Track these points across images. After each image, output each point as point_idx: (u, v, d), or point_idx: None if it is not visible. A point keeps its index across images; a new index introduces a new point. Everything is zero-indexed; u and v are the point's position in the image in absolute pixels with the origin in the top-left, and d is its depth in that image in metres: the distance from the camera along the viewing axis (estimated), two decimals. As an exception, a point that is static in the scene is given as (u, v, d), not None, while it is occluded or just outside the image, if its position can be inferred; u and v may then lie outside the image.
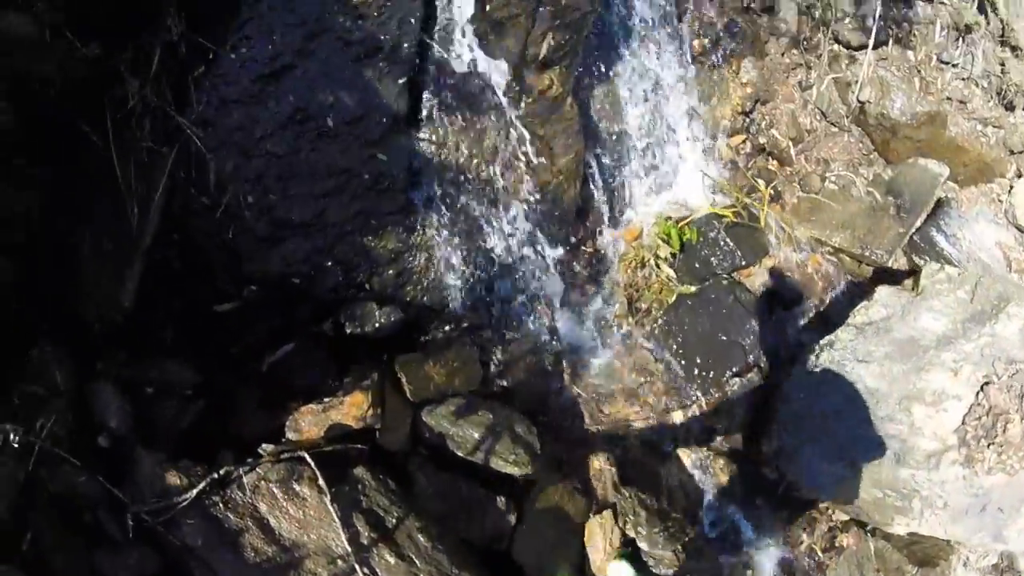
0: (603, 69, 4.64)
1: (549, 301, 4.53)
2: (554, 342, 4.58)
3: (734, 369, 4.64)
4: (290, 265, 4.02)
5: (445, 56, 3.79)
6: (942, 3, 5.13)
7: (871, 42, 5.05)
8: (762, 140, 5.21)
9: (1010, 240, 5.07)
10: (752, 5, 5.15)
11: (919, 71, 5.14)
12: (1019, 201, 5.10)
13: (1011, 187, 5.13)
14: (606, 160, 4.73)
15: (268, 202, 3.81)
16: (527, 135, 4.14)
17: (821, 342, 4.50)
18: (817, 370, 4.46)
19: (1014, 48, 5.07)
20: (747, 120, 5.24)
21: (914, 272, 5.11)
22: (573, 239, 4.64)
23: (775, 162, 5.22)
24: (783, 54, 5.25)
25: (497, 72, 4.01)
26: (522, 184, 4.24)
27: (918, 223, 5.18)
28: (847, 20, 5.12)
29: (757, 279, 4.94)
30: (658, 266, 4.76)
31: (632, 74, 4.72)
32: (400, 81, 3.74)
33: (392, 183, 3.94)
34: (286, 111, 3.61)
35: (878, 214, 5.18)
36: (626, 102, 4.71)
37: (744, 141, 5.23)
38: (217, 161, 3.56)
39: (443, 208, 4.13)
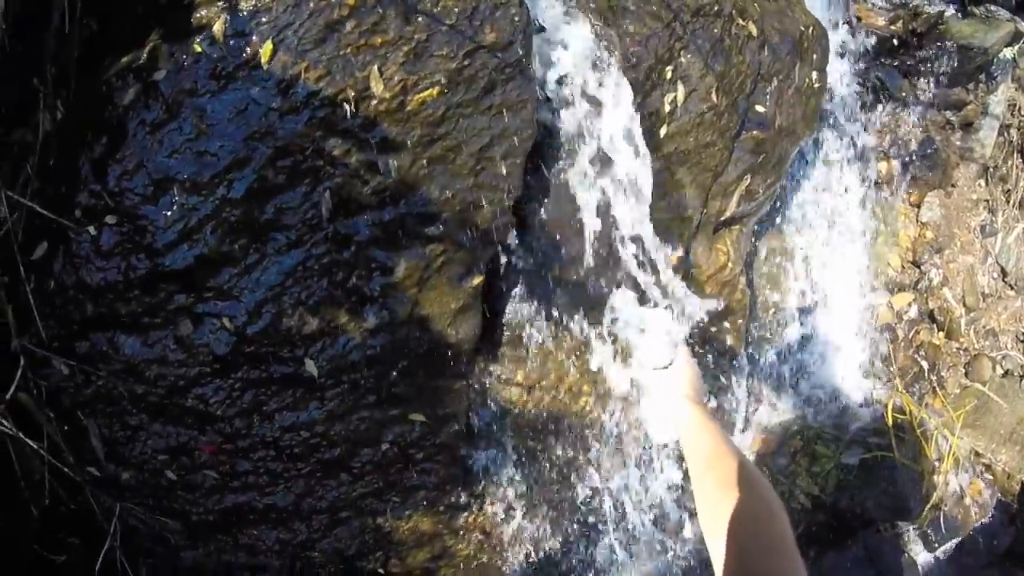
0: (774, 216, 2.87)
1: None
2: None
3: None
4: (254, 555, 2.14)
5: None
6: None
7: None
8: (932, 303, 3.61)
9: None
10: (952, 119, 3.49)
11: None
12: None
13: None
14: (750, 348, 2.98)
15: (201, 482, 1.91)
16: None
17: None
18: None
19: None
20: (918, 273, 3.61)
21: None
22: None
23: (940, 334, 3.65)
24: (970, 187, 3.65)
25: (647, 240, 2.16)
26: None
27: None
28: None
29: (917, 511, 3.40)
30: (795, 496, 3.13)
31: (806, 217, 2.97)
32: (470, 283, 1.90)
33: (436, 451, 2.11)
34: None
35: (1053, 418, 3.77)
36: (793, 259, 2.96)
37: (911, 303, 3.62)
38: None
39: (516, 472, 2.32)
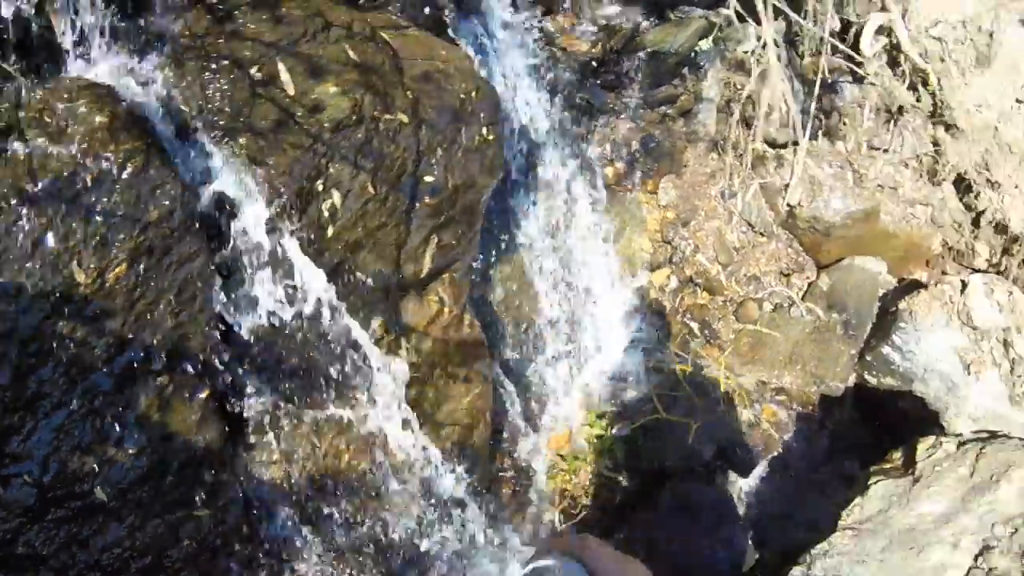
0: (500, 241, 3.38)
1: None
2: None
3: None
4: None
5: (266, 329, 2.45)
6: (871, 84, 4.27)
7: (806, 135, 4.11)
8: (688, 271, 4.18)
9: (965, 342, 4.41)
10: (669, 112, 4.04)
11: (851, 163, 4.29)
12: (973, 301, 4.43)
13: (963, 286, 4.43)
14: (515, 355, 3.52)
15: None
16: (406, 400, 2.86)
17: (813, 551, 3.64)
18: (813, 585, 3.61)
19: (948, 126, 4.33)
20: (670, 249, 4.17)
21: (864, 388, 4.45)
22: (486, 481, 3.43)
23: (705, 293, 4.22)
24: (702, 163, 4.22)
25: (355, 325, 2.68)
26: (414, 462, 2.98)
27: (866, 334, 4.44)
28: (771, 115, 4.13)
29: (711, 455, 3.96)
30: (598, 474, 3.67)
31: (539, 231, 3.50)
32: (200, 397, 2.40)
33: (230, 535, 2.60)
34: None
35: (825, 336, 4.38)
36: (534, 274, 3.49)
37: (669, 275, 4.18)
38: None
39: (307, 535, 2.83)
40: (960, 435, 3.93)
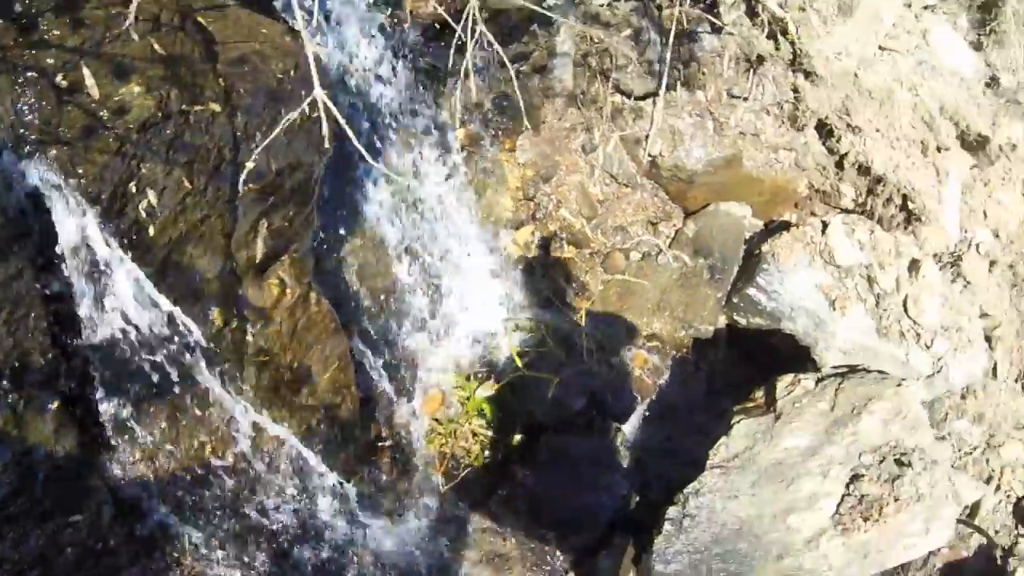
0: (349, 214, 3.35)
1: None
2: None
3: (597, 533, 3.82)
4: None
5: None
6: (729, 34, 4.32)
7: (663, 87, 4.15)
8: (552, 226, 4.21)
9: (829, 280, 4.58)
10: (522, 69, 4.03)
11: (711, 112, 4.36)
12: (834, 241, 4.59)
13: (824, 226, 4.58)
14: (376, 326, 3.51)
15: None
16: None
17: (686, 491, 3.80)
18: (686, 521, 3.76)
19: (807, 73, 4.42)
20: (533, 206, 4.20)
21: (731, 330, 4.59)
22: (365, 453, 3.44)
23: (571, 247, 4.26)
24: (561, 118, 4.22)
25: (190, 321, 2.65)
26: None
27: (732, 278, 4.57)
28: (629, 67, 4.17)
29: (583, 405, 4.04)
30: (475, 434, 3.72)
31: (390, 199, 3.48)
32: (51, 408, 2.37)
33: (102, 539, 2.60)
34: None
35: (692, 281, 4.49)
36: (388, 242, 3.48)
37: (533, 232, 4.21)
38: None
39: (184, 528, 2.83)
40: (819, 372, 4.11)
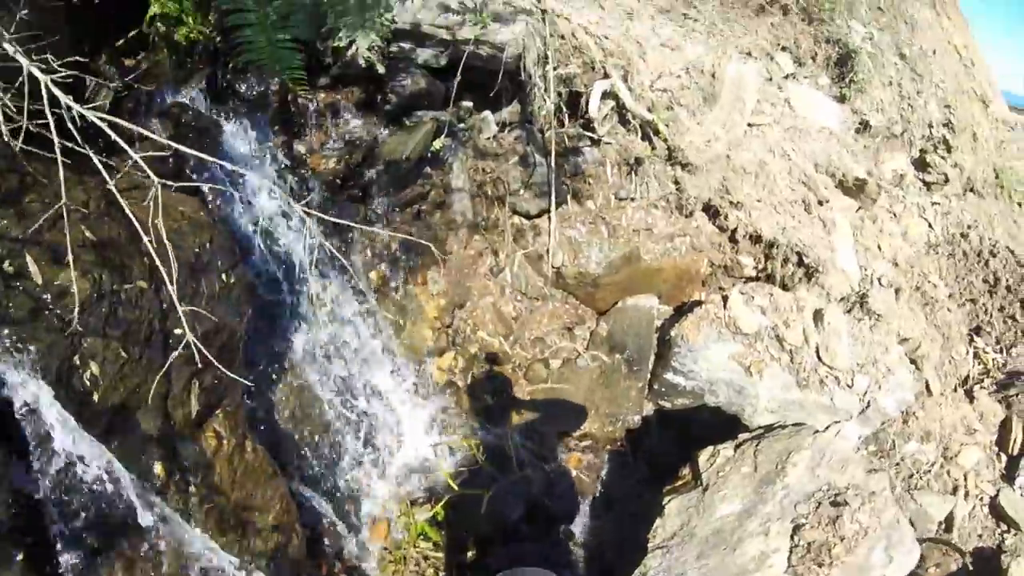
0: (275, 365, 3.60)
1: None
2: None
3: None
4: None
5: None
6: (607, 143, 4.76)
7: (553, 204, 4.53)
8: (472, 348, 4.49)
9: (740, 348, 4.88)
10: (423, 208, 4.39)
11: (603, 217, 4.74)
12: (736, 311, 4.92)
13: (724, 300, 4.92)
14: (316, 468, 3.71)
15: None
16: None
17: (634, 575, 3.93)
18: (638, 609, 3.89)
19: (683, 165, 4.86)
20: (451, 332, 4.48)
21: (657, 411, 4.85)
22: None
23: (493, 366, 4.53)
24: (466, 246, 4.57)
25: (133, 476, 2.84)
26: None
27: (650, 366, 4.85)
28: (521, 191, 4.55)
29: (520, 514, 4.22)
30: (425, 557, 3.87)
31: (312, 346, 3.73)
32: (17, 559, 2.55)
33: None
34: None
35: (613, 377, 4.76)
36: (314, 387, 3.71)
37: (455, 357, 4.48)
38: None
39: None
40: (737, 439, 4.34)
